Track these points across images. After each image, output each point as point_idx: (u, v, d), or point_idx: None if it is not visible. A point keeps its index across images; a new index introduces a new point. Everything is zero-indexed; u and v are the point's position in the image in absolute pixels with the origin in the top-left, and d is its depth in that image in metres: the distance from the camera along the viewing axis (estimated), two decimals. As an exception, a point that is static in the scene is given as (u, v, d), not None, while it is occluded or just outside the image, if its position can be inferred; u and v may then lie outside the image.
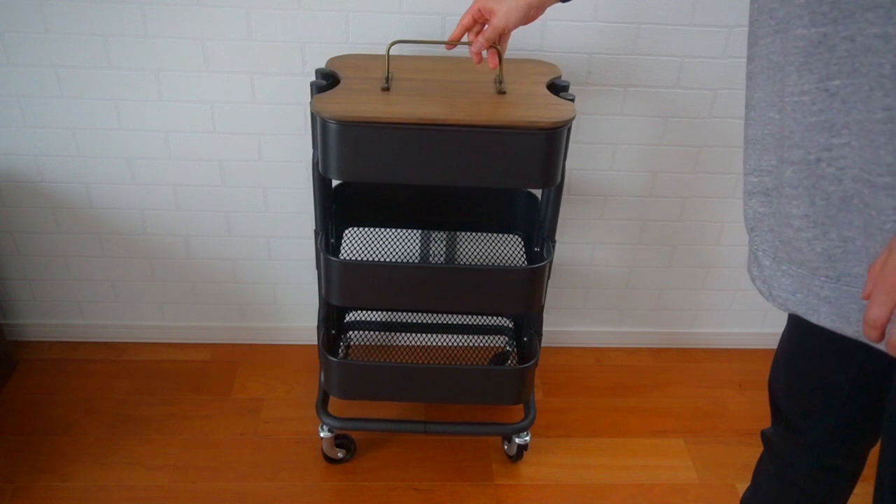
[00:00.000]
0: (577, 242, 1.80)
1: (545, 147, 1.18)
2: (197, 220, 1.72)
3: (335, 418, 1.52)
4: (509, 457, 1.64)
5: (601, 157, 1.67)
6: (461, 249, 1.62)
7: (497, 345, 1.95)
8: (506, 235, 1.65)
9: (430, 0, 1.46)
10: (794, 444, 1.08)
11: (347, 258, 1.54)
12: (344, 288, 1.34)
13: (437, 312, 1.81)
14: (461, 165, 1.19)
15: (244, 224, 1.73)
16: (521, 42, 1.50)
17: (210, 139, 1.60)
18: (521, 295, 1.35)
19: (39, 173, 1.63)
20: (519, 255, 1.60)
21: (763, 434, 1.16)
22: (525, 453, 1.64)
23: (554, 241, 1.40)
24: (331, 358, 1.43)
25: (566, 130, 1.21)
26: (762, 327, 1.97)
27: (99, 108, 1.55)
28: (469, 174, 1.20)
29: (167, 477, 1.55)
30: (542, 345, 1.83)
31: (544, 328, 1.91)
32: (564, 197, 1.72)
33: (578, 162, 1.67)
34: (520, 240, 1.64)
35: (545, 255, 1.39)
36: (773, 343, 2.01)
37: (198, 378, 1.81)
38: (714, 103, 1.60)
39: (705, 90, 1.58)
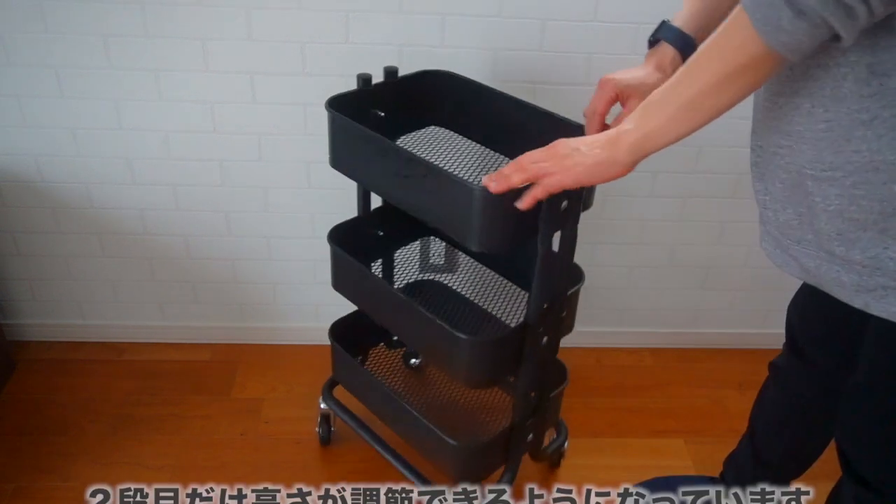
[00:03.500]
0: (577, 242, 1.79)
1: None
2: (197, 220, 1.72)
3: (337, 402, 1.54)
4: (509, 457, 1.64)
5: (601, 157, 1.66)
6: (461, 253, 1.61)
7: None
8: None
9: (430, 0, 1.46)
10: (801, 371, 1.24)
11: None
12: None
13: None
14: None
15: (244, 224, 1.73)
16: (521, 42, 1.50)
17: (210, 139, 1.60)
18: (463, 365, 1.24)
19: (39, 173, 1.63)
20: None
21: (772, 364, 1.32)
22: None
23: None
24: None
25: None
26: (762, 327, 1.97)
27: (99, 108, 1.55)
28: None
29: (167, 477, 1.55)
30: (542, 345, 1.82)
31: (544, 328, 1.90)
32: (564, 197, 1.72)
33: (578, 162, 1.66)
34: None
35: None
36: (774, 343, 2.01)
37: (198, 378, 1.81)
38: (714, 103, 1.60)
39: (705, 90, 1.58)
